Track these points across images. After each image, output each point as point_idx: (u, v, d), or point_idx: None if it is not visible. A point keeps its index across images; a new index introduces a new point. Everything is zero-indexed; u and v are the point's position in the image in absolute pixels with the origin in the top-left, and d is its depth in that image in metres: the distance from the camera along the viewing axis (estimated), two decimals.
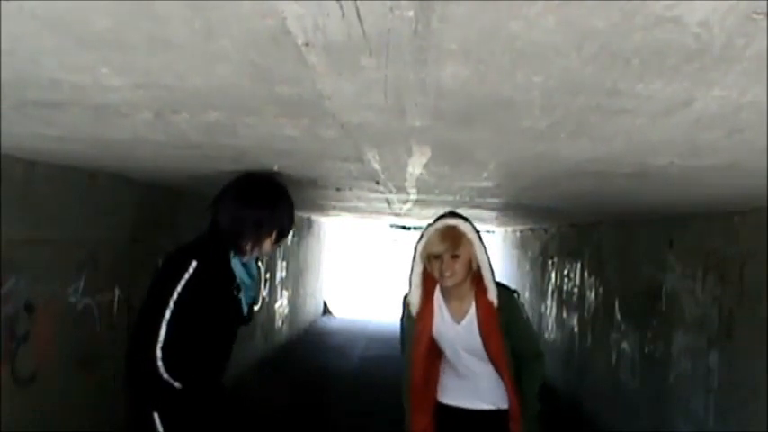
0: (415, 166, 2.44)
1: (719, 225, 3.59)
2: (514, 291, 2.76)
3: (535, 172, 2.42)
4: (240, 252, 2.51)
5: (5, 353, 2.62)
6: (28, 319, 2.76)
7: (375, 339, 9.61)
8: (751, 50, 0.92)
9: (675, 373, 4.11)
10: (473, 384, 2.70)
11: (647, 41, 0.91)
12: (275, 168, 2.58)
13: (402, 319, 2.82)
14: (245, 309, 2.62)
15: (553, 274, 7.27)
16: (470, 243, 2.53)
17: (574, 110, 1.34)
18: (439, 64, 1.07)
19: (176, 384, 2.33)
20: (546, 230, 7.43)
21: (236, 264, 2.53)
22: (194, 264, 2.39)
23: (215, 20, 0.93)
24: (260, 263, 2.80)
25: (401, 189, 3.50)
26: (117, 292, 3.49)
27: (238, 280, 2.54)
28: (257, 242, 2.54)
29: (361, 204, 5.19)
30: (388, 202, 4.66)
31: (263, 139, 1.91)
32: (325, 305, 12.31)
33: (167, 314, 2.30)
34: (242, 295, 2.57)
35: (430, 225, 2.61)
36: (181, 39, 1.01)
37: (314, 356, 8.10)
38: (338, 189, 3.82)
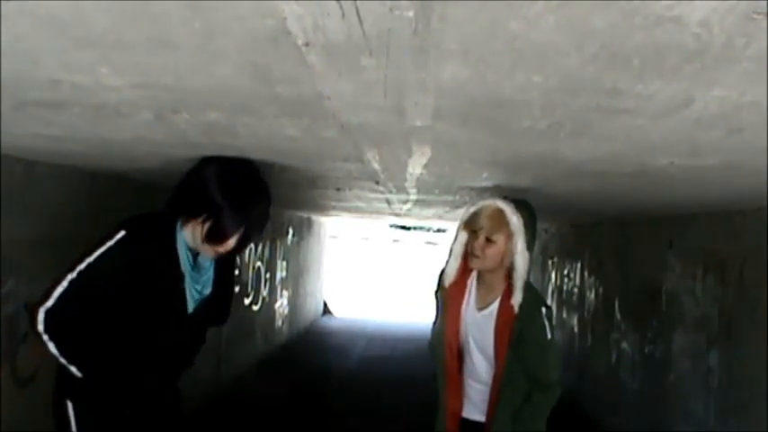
0: (415, 166, 2.44)
1: (719, 225, 3.59)
2: (545, 305, 2.52)
3: (535, 172, 2.42)
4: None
5: (5, 353, 2.62)
6: (28, 319, 2.75)
7: (375, 339, 9.62)
8: (751, 50, 0.92)
9: (675, 373, 4.11)
10: (476, 393, 2.53)
11: (647, 41, 0.91)
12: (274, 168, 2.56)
13: (436, 293, 2.64)
14: (191, 304, 2.21)
15: (553, 274, 7.27)
16: (511, 236, 2.36)
17: (574, 110, 1.34)
18: (439, 64, 1.07)
19: (69, 365, 2.03)
20: (546, 230, 7.43)
21: (182, 245, 2.13)
22: (121, 234, 2.02)
23: (215, 20, 0.93)
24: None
25: (401, 189, 3.50)
26: None
27: (182, 267, 2.14)
28: (189, 218, 2.09)
29: (361, 204, 5.19)
30: (388, 202, 4.66)
31: (263, 139, 1.91)
32: (325, 305, 12.31)
33: (65, 282, 1.98)
34: (186, 286, 2.16)
35: (485, 197, 2.47)
36: (181, 39, 1.01)
37: (314, 356, 8.10)
38: (338, 189, 3.82)
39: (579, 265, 6.29)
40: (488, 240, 2.38)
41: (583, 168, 2.17)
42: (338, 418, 5.40)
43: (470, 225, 2.43)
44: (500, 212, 2.39)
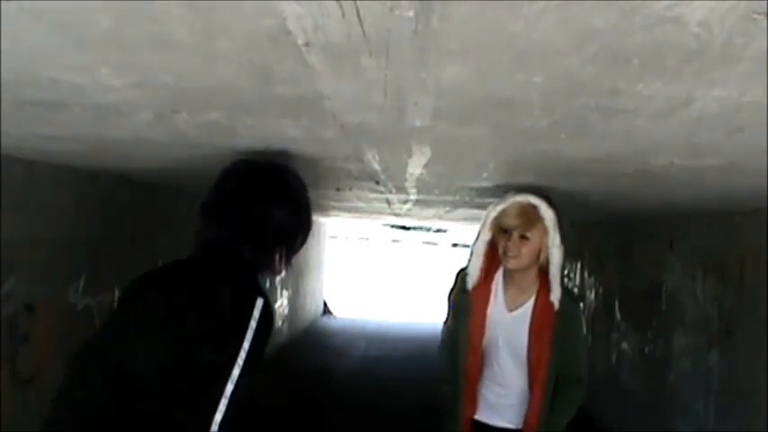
0: (415, 166, 2.44)
1: (719, 225, 3.59)
2: (580, 300, 2.50)
3: (535, 172, 2.41)
4: (273, 271, 1.80)
5: (5, 353, 2.62)
6: (28, 319, 2.75)
7: (375, 340, 9.62)
8: (751, 50, 0.92)
9: (675, 373, 4.11)
10: (496, 396, 2.45)
11: (647, 41, 0.91)
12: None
13: (451, 294, 2.52)
14: None
15: None
16: (545, 231, 2.27)
17: (574, 110, 1.34)
18: (439, 64, 1.07)
19: None
20: None
21: (264, 285, 1.79)
22: (260, 302, 1.62)
23: (215, 20, 0.93)
24: None
25: (401, 189, 3.50)
26: (117, 292, 3.49)
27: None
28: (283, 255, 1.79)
29: (361, 204, 5.19)
30: (388, 202, 4.66)
31: (263, 139, 1.91)
32: (325, 305, 12.31)
33: (234, 374, 1.57)
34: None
35: (510, 194, 2.34)
36: (181, 39, 1.01)
37: (314, 356, 8.10)
38: (338, 189, 3.82)
39: (579, 265, 6.29)
40: (522, 237, 2.28)
41: (583, 168, 2.17)
42: (338, 418, 5.40)
43: (499, 224, 2.32)
44: (532, 208, 2.29)
